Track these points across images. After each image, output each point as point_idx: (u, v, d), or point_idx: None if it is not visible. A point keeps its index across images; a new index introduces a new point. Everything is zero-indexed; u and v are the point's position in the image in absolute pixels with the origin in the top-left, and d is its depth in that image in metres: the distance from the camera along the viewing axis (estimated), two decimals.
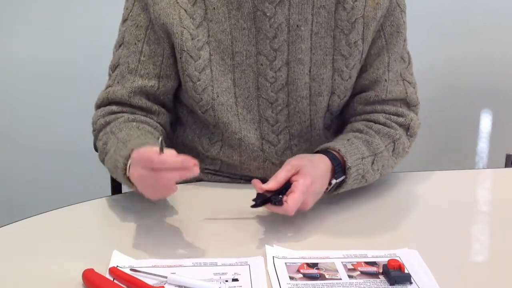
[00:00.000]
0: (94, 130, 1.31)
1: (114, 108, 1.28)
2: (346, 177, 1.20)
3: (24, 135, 2.34)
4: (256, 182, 1.13)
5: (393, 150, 1.29)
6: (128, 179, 1.10)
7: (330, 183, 1.19)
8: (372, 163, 1.24)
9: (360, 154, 1.22)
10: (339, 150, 1.21)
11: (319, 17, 1.26)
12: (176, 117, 1.40)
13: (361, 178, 1.23)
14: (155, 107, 1.30)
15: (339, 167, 1.20)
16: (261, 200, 1.11)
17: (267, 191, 1.12)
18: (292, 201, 1.10)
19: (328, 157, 1.20)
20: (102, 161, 1.24)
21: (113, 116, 1.27)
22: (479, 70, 2.40)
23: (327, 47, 1.28)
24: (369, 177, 1.25)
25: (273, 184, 1.12)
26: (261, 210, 1.20)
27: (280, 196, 1.11)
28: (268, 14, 1.23)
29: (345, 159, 1.20)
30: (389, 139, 1.29)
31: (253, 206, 1.11)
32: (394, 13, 1.30)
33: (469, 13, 2.35)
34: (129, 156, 1.09)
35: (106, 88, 1.31)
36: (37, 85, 2.29)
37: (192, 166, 0.99)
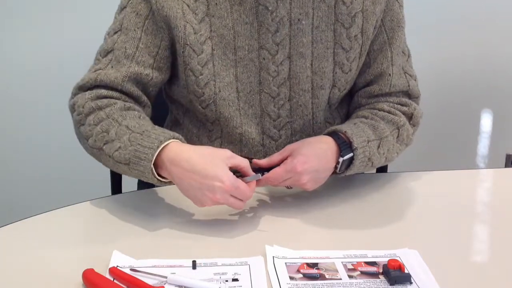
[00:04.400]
0: (78, 114, 1.22)
1: (103, 91, 1.23)
2: (353, 156, 1.22)
3: (24, 135, 2.34)
4: (254, 160, 1.22)
5: (398, 136, 1.32)
6: (152, 171, 1.11)
7: (338, 162, 1.22)
8: (378, 146, 1.27)
9: (366, 137, 1.25)
10: (345, 132, 1.23)
11: (320, 11, 1.28)
12: (175, 119, 1.40)
13: (368, 160, 1.25)
14: (144, 98, 1.28)
15: (345, 146, 1.22)
16: (239, 173, 1.17)
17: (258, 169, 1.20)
18: (271, 173, 1.18)
19: (332, 137, 1.23)
20: (99, 148, 1.17)
21: (105, 100, 1.22)
22: (479, 69, 2.40)
23: (328, 41, 1.29)
24: (375, 160, 1.26)
25: (264, 161, 1.21)
26: (261, 210, 1.20)
27: (265, 172, 1.18)
28: (270, 8, 1.24)
29: (351, 140, 1.22)
30: (393, 125, 1.32)
31: None
32: (393, 8, 1.33)
33: (469, 12, 2.35)
34: (157, 147, 1.10)
35: (95, 70, 1.27)
36: (37, 85, 2.29)
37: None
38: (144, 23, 1.25)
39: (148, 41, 1.26)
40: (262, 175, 1.18)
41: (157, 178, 1.12)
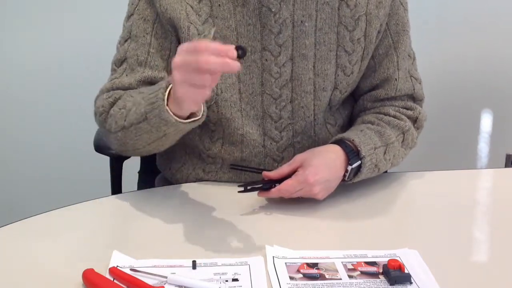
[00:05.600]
0: (100, 114, 1.25)
1: (120, 91, 1.25)
2: (361, 164, 1.24)
3: (24, 135, 2.34)
4: (264, 173, 1.23)
5: (403, 141, 1.33)
6: (167, 111, 1.07)
7: (347, 170, 1.23)
8: (384, 153, 1.28)
9: (373, 144, 1.26)
10: (353, 140, 1.25)
11: (323, 13, 1.28)
12: None
13: (374, 167, 1.26)
14: None
15: (353, 154, 1.24)
16: (250, 185, 1.19)
17: (268, 181, 1.21)
18: (284, 185, 1.19)
19: (340, 146, 1.24)
20: (122, 127, 1.17)
21: (122, 91, 1.25)
22: (479, 70, 2.40)
23: (331, 43, 1.29)
24: (381, 166, 1.28)
25: (273, 173, 1.21)
26: (261, 210, 1.20)
27: (276, 184, 1.19)
28: (273, 10, 1.25)
29: (359, 148, 1.24)
30: (399, 130, 1.33)
31: (240, 192, 1.19)
32: (398, 12, 1.34)
33: (469, 13, 2.35)
34: (166, 87, 1.08)
35: (111, 80, 1.29)
36: (37, 85, 2.30)
37: (232, 55, 0.96)
38: (153, 28, 1.26)
39: (159, 45, 1.27)
40: (273, 187, 1.19)
41: (175, 118, 1.08)
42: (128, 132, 1.17)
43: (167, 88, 1.09)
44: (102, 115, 1.24)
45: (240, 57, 0.98)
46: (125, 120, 1.17)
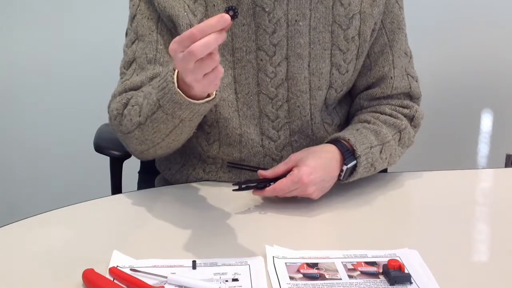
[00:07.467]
0: (115, 118, 1.23)
1: (133, 92, 1.24)
2: (356, 163, 1.24)
3: (24, 135, 2.34)
4: (259, 171, 1.23)
5: (399, 140, 1.34)
6: (179, 93, 1.07)
7: (342, 170, 1.23)
8: (381, 152, 1.28)
9: (369, 143, 1.26)
10: (348, 139, 1.25)
11: (317, 12, 1.28)
12: None
13: (370, 166, 1.26)
14: None
15: (348, 153, 1.24)
16: (245, 184, 1.20)
17: (263, 180, 1.22)
18: (278, 184, 1.19)
19: (336, 145, 1.24)
20: (138, 124, 1.17)
21: (134, 92, 1.24)
22: (479, 70, 2.40)
23: (325, 42, 1.29)
24: (377, 165, 1.28)
25: (269, 172, 1.22)
26: (261, 210, 1.20)
27: (271, 183, 1.20)
28: (267, 10, 1.25)
29: (354, 148, 1.24)
30: (395, 129, 1.33)
31: (235, 190, 1.19)
32: (393, 10, 1.34)
33: (469, 12, 2.36)
34: (174, 69, 1.07)
35: (122, 83, 1.27)
36: (37, 85, 2.30)
37: (227, 23, 0.95)
38: (158, 25, 1.26)
39: (166, 41, 1.26)
40: (268, 185, 1.20)
41: (188, 100, 1.07)
42: (145, 127, 1.17)
43: (175, 70, 1.08)
44: (116, 118, 1.23)
45: (233, 18, 0.96)
46: (139, 116, 1.17)
